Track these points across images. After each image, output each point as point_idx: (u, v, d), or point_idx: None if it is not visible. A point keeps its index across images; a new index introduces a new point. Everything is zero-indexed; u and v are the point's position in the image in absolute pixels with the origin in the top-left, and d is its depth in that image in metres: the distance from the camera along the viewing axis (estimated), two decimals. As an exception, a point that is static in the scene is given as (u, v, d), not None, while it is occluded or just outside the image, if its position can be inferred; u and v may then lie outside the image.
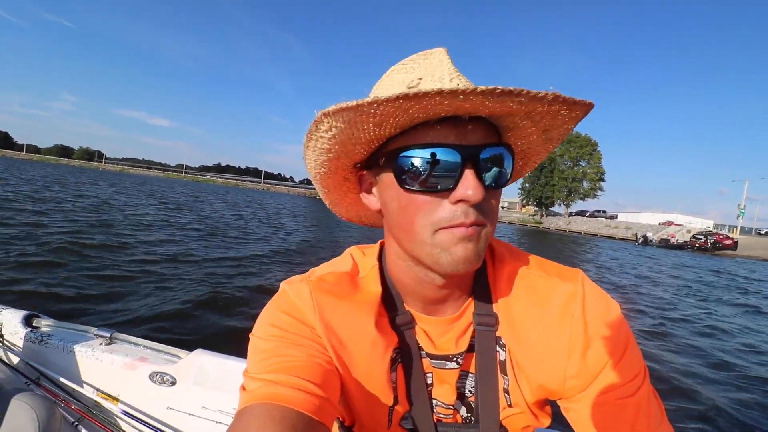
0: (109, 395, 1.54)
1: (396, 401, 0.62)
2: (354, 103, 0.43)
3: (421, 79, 0.53)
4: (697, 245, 40.28)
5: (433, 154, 0.49)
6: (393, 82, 0.58)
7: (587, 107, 0.46)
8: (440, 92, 0.40)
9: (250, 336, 0.60)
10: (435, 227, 0.50)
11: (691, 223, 65.76)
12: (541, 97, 0.42)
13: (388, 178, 0.54)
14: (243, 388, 0.52)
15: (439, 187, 0.49)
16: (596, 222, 62.92)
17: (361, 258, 0.69)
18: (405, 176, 0.51)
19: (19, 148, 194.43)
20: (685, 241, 43.04)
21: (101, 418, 1.47)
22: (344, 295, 0.62)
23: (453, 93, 0.40)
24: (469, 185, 0.47)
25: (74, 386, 1.53)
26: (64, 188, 22.23)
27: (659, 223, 62.53)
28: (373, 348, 0.60)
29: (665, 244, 43.41)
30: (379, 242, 0.71)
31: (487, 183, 0.50)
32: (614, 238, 50.91)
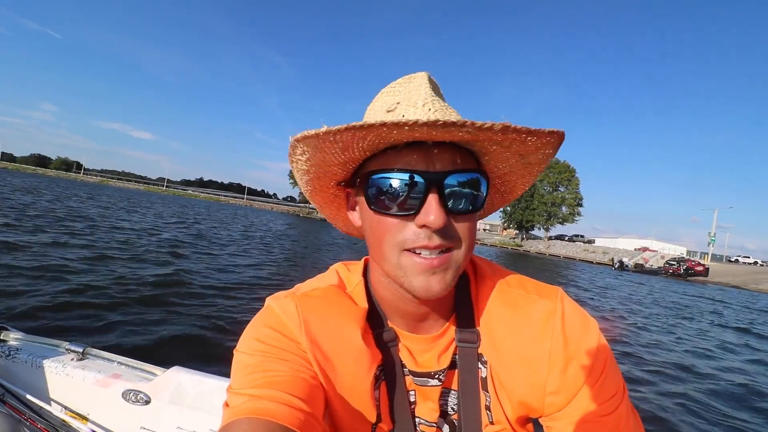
0: (77, 414, 1.48)
1: (379, 419, 0.63)
2: (313, 131, 0.45)
3: (398, 103, 0.55)
4: (670, 271, 41.39)
5: (398, 179, 0.50)
6: (383, 104, 0.59)
7: (546, 135, 0.46)
8: (383, 124, 0.41)
9: (234, 352, 0.59)
10: (400, 247, 0.51)
11: (665, 249, 67.87)
12: (488, 128, 0.41)
13: (362, 198, 0.56)
14: (226, 404, 0.52)
15: (403, 211, 0.51)
16: (575, 246, 64.33)
17: (346, 274, 0.70)
18: (373, 198, 0.53)
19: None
20: (659, 267, 44.32)
21: (68, 438, 1.40)
22: (330, 311, 0.62)
23: (395, 125, 0.41)
24: (430, 211, 0.48)
25: (41, 404, 1.46)
26: (39, 198, 21.49)
27: (635, 249, 64.36)
28: (357, 364, 0.60)
29: (640, 269, 44.59)
30: (364, 258, 0.72)
31: (453, 208, 0.51)
32: (592, 262, 51.97)
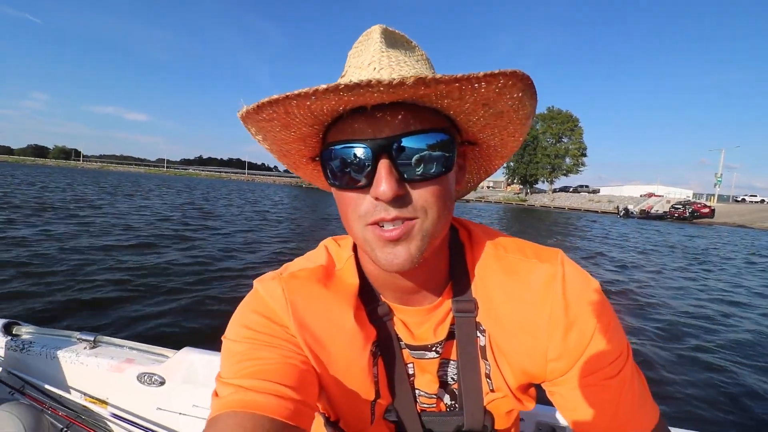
0: (97, 399, 1.53)
1: (378, 395, 0.62)
2: (239, 112, 0.44)
3: (350, 66, 0.53)
4: (676, 215, 41.35)
5: (345, 151, 0.48)
6: (350, 67, 0.56)
7: (486, 78, 0.40)
8: (286, 97, 0.40)
9: (222, 338, 0.58)
10: (363, 221, 0.50)
11: (671, 194, 67.54)
12: (397, 85, 0.37)
13: None
14: (215, 393, 0.51)
15: (356, 184, 0.49)
16: (579, 197, 64.06)
17: (336, 250, 0.67)
18: (329, 173, 0.51)
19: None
20: (664, 212, 44.16)
21: (90, 422, 1.45)
22: (319, 291, 0.60)
23: (298, 96, 0.39)
24: (380, 182, 0.45)
25: (61, 392, 1.51)
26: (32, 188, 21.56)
27: (640, 195, 64.05)
28: (351, 343, 0.59)
29: (645, 215, 44.50)
30: None
31: (411, 175, 0.48)
32: (597, 211, 51.89)
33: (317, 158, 0.57)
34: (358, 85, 0.37)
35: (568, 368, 0.55)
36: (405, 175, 0.47)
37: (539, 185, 75.42)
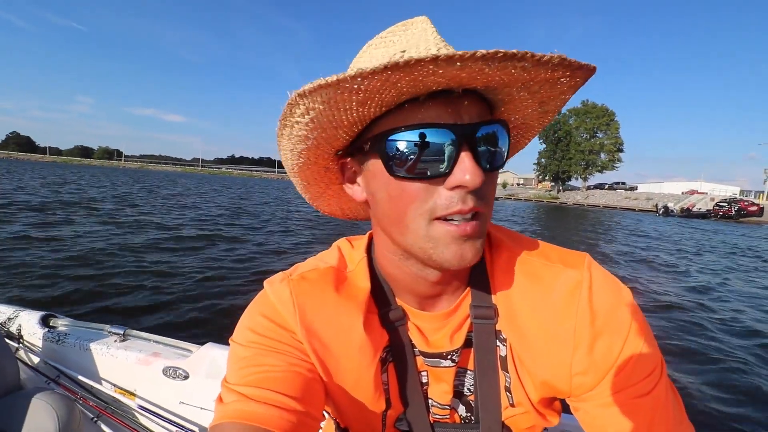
0: (126, 391, 1.58)
1: (389, 405, 0.59)
2: (335, 77, 0.38)
3: (404, 51, 0.48)
4: (720, 213, 39.24)
5: (424, 136, 0.44)
6: (372, 58, 0.53)
7: (589, 72, 0.41)
8: (435, 59, 0.35)
9: (230, 341, 0.58)
10: (430, 216, 0.46)
11: (716, 191, 63.97)
12: (546, 61, 0.37)
13: (374, 165, 0.49)
14: (220, 399, 0.51)
15: (433, 172, 0.45)
16: (615, 194, 61.64)
17: (349, 251, 0.65)
18: (394, 162, 0.46)
19: (42, 151, 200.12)
20: (708, 210, 41.95)
21: (119, 413, 1.51)
22: (329, 294, 0.58)
23: (450, 59, 0.35)
24: (467, 169, 0.43)
25: (92, 383, 1.57)
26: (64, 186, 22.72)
27: (682, 193, 61.11)
28: (361, 351, 0.56)
29: (687, 213, 42.38)
30: (368, 233, 0.66)
31: (490, 164, 0.47)
32: (634, 209, 49.79)
33: (339, 152, 0.55)
34: (514, 55, 0.35)
35: (595, 384, 0.52)
36: (483, 165, 0.46)
37: (572, 182, 73.11)
